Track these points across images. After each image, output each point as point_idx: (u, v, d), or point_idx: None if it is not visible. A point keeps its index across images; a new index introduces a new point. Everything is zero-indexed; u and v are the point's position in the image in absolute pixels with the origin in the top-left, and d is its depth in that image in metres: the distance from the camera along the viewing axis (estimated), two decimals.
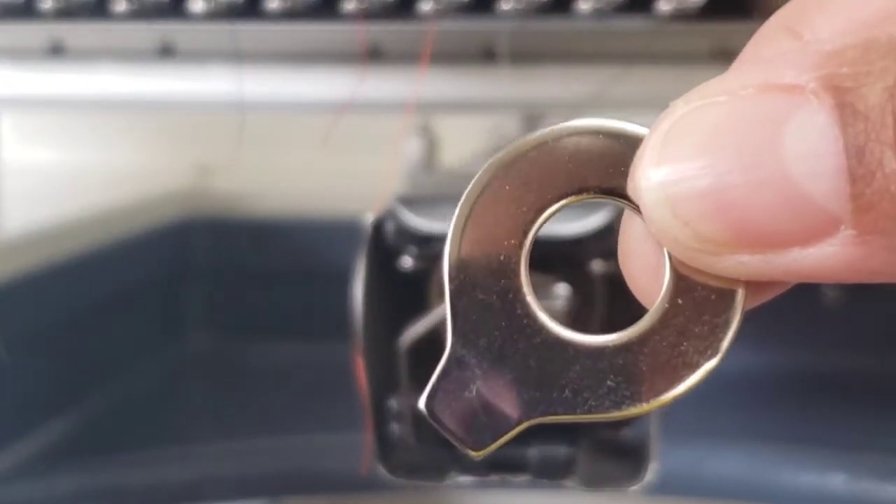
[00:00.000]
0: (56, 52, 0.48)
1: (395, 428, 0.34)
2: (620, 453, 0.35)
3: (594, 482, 0.34)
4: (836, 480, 0.50)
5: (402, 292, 0.34)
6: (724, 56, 0.45)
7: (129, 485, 0.52)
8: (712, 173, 0.15)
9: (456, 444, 0.16)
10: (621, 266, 0.17)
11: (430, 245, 0.32)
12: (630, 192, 0.16)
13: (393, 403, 0.34)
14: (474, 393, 0.17)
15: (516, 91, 0.46)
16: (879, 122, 0.14)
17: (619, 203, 0.17)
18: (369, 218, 0.33)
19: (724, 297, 0.16)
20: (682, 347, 0.16)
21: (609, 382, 0.17)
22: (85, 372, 0.67)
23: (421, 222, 0.32)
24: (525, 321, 0.17)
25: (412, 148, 0.73)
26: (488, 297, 0.17)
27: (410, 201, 0.32)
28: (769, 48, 0.17)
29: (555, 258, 0.33)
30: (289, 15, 0.40)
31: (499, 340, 0.17)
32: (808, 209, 0.15)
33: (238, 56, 0.42)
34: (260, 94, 0.47)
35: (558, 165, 0.18)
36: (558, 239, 0.31)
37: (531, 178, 0.18)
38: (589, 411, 0.16)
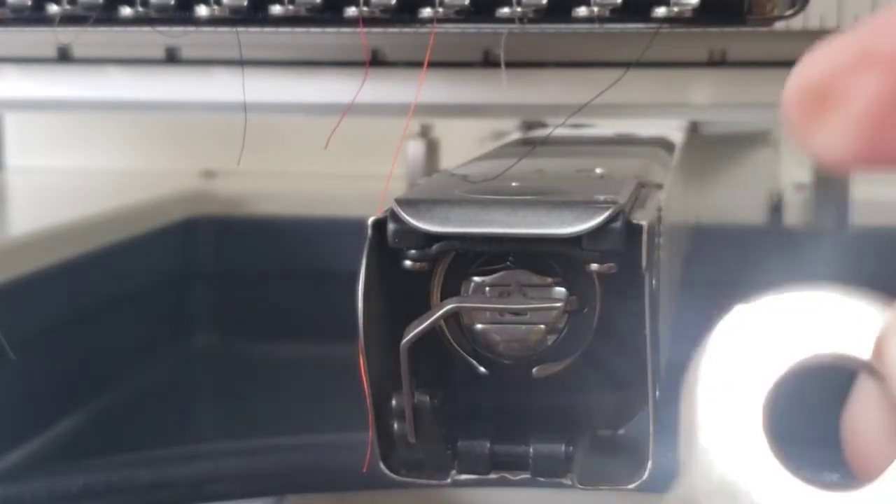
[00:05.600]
0: (63, 57, 0.48)
1: (396, 426, 0.34)
2: (619, 452, 0.35)
3: (592, 480, 0.34)
4: (830, 479, 0.50)
5: (403, 292, 0.35)
6: (722, 61, 0.46)
7: (135, 483, 0.53)
8: None
9: None
10: (843, 428, 0.20)
11: (430, 246, 0.33)
12: (877, 362, 0.19)
13: (394, 402, 0.34)
14: None
15: (515, 95, 0.47)
16: None
17: (851, 366, 0.19)
18: (371, 219, 0.33)
19: None
20: None
21: None
22: (91, 371, 0.67)
23: (421, 223, 0.32)
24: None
25: (413, 150, 0.74)
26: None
27: (411, 202, 0.33)
28: None
29: (551, 259, 0.33)
30: (292, 20, 0.41)
31: None
32: None
33: (242, 61, 0.43)
34: (263, 97, 0.47)
35: (791, 331, 0.20)
36: (554, 239, 0.31)
37: (763, 345, 0.19)
38: None
